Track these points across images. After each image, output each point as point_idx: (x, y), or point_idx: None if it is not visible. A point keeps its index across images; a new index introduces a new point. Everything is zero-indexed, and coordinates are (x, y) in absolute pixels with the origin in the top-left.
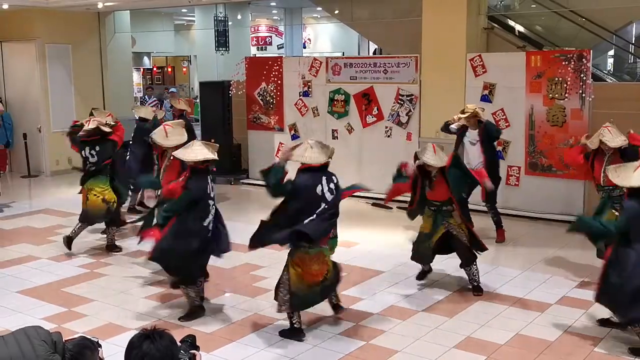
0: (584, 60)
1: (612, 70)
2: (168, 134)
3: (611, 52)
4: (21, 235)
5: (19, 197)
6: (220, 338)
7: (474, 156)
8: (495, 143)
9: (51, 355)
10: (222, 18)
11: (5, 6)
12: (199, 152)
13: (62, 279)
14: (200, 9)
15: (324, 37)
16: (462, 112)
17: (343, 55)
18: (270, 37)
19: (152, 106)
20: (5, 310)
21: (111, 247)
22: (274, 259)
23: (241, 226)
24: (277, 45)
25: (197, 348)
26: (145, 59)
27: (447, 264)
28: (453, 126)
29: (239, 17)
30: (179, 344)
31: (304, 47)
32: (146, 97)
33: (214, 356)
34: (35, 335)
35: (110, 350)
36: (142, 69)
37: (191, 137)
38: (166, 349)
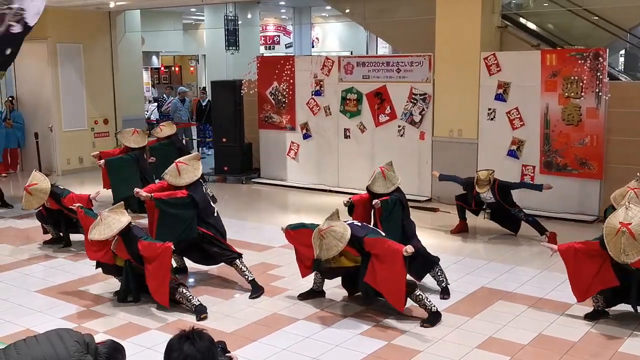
0: (600, 58)
1: (623, 68)
2: (181, 172)
3: (622, 51)
4: (36, 234)
5: None
6: (241, 338)
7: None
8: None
9: (84, 355)
10: (232, 17)
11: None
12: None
13: (80, 278)
14: (210, 8)
15: (332, 36)
16: (479, 185)
17: (352, 54)
18: (278, 36)
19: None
20: (25, 309)
21: None
22: (290, 259)
23: (253, 225)
24: (285, 45)
25: (228, 352)
26: (154, 58)
27: (464, 263)
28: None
29: (249, 16)
30: None
31: (312, 47)
32: (164, 95)
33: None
34: (67, 336)
35: (131, 350)
36: (149, 69)
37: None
38: (207, 349)
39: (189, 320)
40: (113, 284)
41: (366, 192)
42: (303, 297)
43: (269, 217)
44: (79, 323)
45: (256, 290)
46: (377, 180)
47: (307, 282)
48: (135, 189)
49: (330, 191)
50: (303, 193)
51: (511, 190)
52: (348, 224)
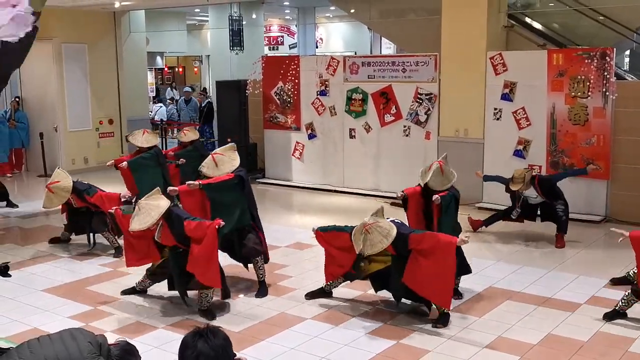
0: (607, 58)
1: (628, 68)
2: (218, 164)
3: (627, 51)
4: (41, 234)
5: (36, 197)
6: (249, 337)
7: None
8: (556, 186)
9: (96, 357)
10: (237, 17)
11: None
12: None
13: (86, 278)
14: (214, 9)
15: (336, 36)
16: (514, 182)
17: (355, 54)
18: (282, 36)
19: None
20: (33, 308)
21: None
22: (297, 258)
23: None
24: (289, 45)
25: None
26: (158, 58)
27: (472, 263)
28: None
29: (253, 16)
30: None
31: (316, 47)
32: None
33: (243, 355)
34: (81, 336)
35: (139, 348)
36: (154, 69)
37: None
38: (221, 347)
39: (197, 319)
40: (119, 283)
41: (418, 186)
42: (311, 296)
43: (275, 217)
44: (87, 322)
45: (263, 292)
46: (435, 175)
47: (313, 282)
48: (169, 187)
49: (336, 191)
50: (308, 193)
51: (557, 183)
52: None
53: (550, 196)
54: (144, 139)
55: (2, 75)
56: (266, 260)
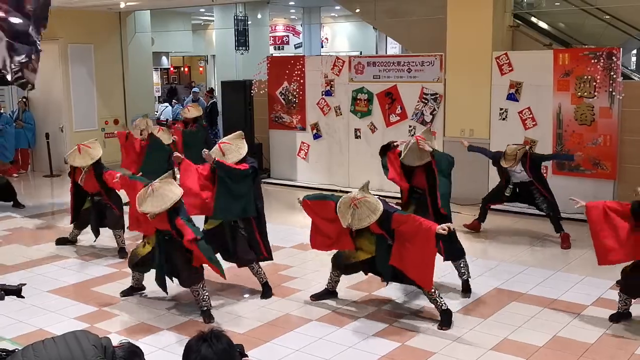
0: (613, 58)
1: (635, 68)
2: (225, 152)
3: (634, 50)
4: (47, 235)
5: (42, 197)
6: (254, 339)
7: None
8: (541, 168)
9: (100, 359)
10: (242, 17)
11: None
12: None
13: (92, 279)
14: (219, 9)
15: (341, 36)
16: (505, 159)
17: (361, 54)
18: (287, 36)
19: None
20: (38, 309)
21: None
22: (301, 259)
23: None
24: (295, 45)
25: (246, 356)
26: (164, 58)
27: (477, 264)
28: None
29: (259, 16)
30: None
31: (322, 47)
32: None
33: (248, 356)
34: (85, 339)
35: (143, 350)
36: (159, 69)
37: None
38: (224, 352)
39: (201, 321)
40: (125, 284)
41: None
42: (316, 297)
43: (280, 217)
44: (92, 323)
45: (267, 293)
46: (411, 151)
47: (318, 284)
48: (203, 150)
49: (341, 191)
50: (313, 193)
51: (543, 162)
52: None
53: (534, 174)
54: (159, 136)
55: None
56: (268, 258)
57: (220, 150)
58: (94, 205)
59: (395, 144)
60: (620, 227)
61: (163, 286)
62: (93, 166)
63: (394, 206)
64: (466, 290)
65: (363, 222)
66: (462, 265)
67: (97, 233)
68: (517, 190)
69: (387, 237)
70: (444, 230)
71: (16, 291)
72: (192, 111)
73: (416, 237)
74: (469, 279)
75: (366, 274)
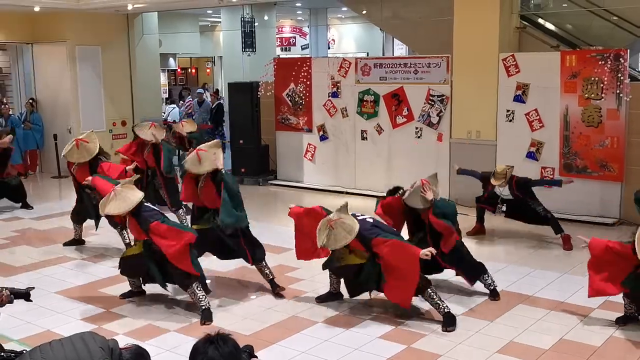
0: (621, 59)
1: None
2: (202, 160)
3: None
4: (55, 236)
5: (50, 198)
6: (259, 340)
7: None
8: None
9: None
10: (249, 19)
11: (36, 9)
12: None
13: (99, 280)
14: (226, 10)
15: (348, 37)
16: (495, 177)
17: (368, 55)
18: (294, 38)
19: (187, 107)
20: (46, 311)
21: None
22: (308, 261)
23: (270, 227)
24: (301, 46)
25: (255, 357)
26: (171, 60)
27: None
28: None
29: (265, 18)
30: None
31: (329, 48)
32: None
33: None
34: (92, 341)
35: (151, 352)
36: (166, 70)
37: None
38: (230, 355)
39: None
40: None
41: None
42: (321, 299)
43: (286, 219)
44: (99, 325)
45: (275, 288)
46: (414, 192)
47: (325, 286)
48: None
49: (347, 193)
50: (320, 195)
51: (532, 188)
52: (359, 219)
53: (526, 195)
54: (150, 132)
55: None
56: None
57: (197, 157)
58: (87, 196)
59: (401, 191)
60: (617, 268)
61: (163, 286)
62: (89, 162)
63: (385, 227)
64: (495, 295)
65: (339, 242)
66: (486, 278)
67: (97, 220)
68: (512, 207)
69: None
70: (427, 255)
71: (25, 295)
72: (187, 127)
73: (400, 261)
74: (496, 287)
75: (352, 296)
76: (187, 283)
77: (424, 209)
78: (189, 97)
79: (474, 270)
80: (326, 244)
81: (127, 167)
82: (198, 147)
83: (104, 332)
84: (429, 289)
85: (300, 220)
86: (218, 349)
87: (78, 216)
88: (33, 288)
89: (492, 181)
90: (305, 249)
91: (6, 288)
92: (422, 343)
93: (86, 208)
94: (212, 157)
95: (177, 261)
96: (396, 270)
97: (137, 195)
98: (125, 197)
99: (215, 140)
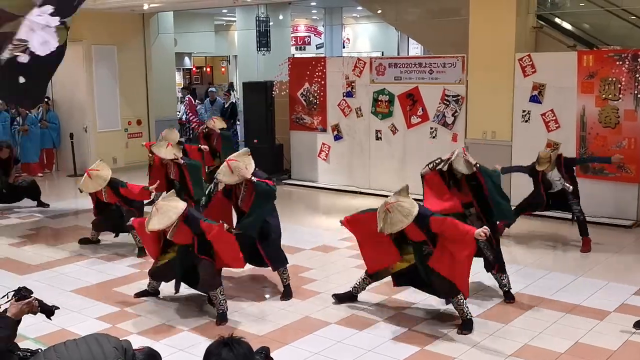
0: (639, 59)
1: None
2: (234, 170)
3: None
4: (71, 234)
5: (66, 196)
6: (272, 341)
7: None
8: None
9: None
10: (264, 18)
11: None
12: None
13: (114, 279)
14: (241, 10)
15: (363, 37)
16: (540, 163)
17: (383, 55)
18: (309, 37)
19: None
20: (61, 309)
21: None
22: (322, 262)
23: (285, 226)
24: (316, 45)
25: (271, 359)
26: (186, 59)
27: None
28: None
29: (280, 17)
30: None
31: (343, 47)
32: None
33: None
34: (106, 342)
35: (164, 351)
36: (182, 69)
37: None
38: (244, 357)
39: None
40: (146, 285)
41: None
42: (338, 298)
43: (300, 219)
44: (113, 324)
45: (288, 294)
46: (460, 158)
47: (338, 286)
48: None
49: (361, 193)
50: (334, 195)
51: (574, 166)
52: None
53: (570, 179)
54: (167, 151)
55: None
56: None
57: (229, 168)
58: (114, 211)
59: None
60: None
61: (176, 289)
62: (109, 185)
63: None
64: (510, 297)
65: (395, 226)
66: (503, 278)
67: (116, 235)
68: (551, 201)
69: (424, 245)
70: (482, 235)
71: (48, 311)
72: (217, 123)
73: (455, 240)
74: (510, 289)
75: (395, 285)
76: (213, 286)
77: (469, 174)
78: (187, 95)
79: (501, 260)
80: (382, 228)
81: (150, 188)
82: (228, 158)
83: (118, 331)
84: (459, 295)
85: (356, 227)
86: (232, 351)
87: (98, 226)
88: (58, 308)
89: (537, 167)
90: (372, 257)
91: (37, 299)
92: (436, 345)
93: (109, 224)
94: (243, 167)
95: (225, 244)
96: (455, 250)
97: (179, 205)
98: (168, 210)
99: (244, 149)
